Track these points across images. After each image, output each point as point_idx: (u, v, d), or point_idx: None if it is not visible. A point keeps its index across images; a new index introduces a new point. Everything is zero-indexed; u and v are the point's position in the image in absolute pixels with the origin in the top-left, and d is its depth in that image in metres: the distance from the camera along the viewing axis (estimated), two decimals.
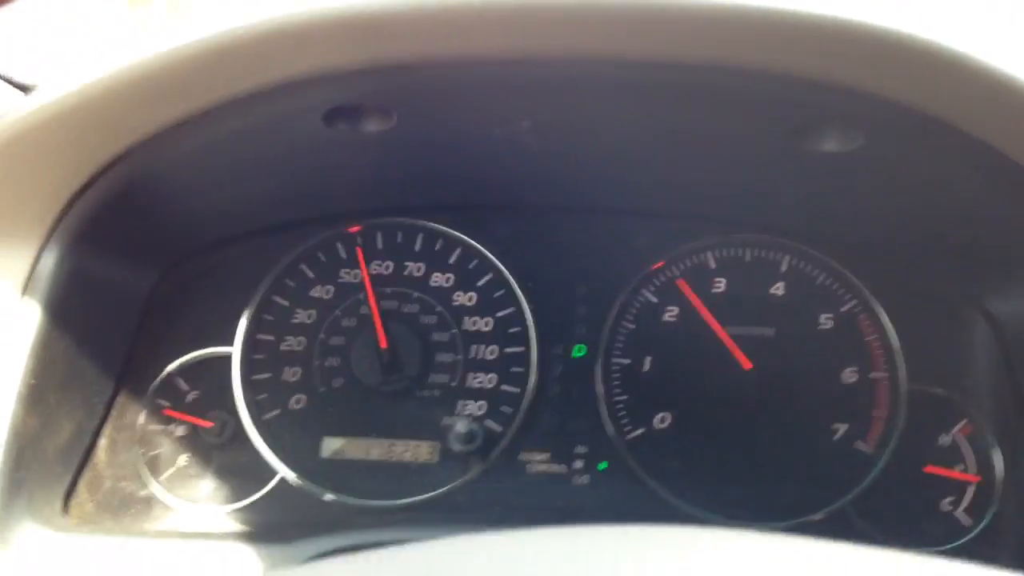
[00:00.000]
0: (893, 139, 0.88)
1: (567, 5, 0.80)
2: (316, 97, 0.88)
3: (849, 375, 1.10)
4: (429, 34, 0.82)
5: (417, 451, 1.09)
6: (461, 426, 1.03)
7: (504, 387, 1.12)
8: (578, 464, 1.10)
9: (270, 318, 1.14)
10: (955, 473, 1.05)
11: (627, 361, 1.12)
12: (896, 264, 1.11)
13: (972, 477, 1.05)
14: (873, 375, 1.10)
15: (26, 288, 0.95)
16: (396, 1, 0.80)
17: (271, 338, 1.13)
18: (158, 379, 1.12)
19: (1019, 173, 0.84)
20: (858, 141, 0.90)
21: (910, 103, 0.81)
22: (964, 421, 1.07)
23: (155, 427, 1.11)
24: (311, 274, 1.16)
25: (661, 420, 1.10)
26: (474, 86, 0.89)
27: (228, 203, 1.09)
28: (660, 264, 1.15)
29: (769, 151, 0.97)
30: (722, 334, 1.10)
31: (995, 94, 0.77)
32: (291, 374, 1.12)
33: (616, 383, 1.12)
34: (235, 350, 1.12)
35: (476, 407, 1.11)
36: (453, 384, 1.12)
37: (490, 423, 1.10)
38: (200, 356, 1.13)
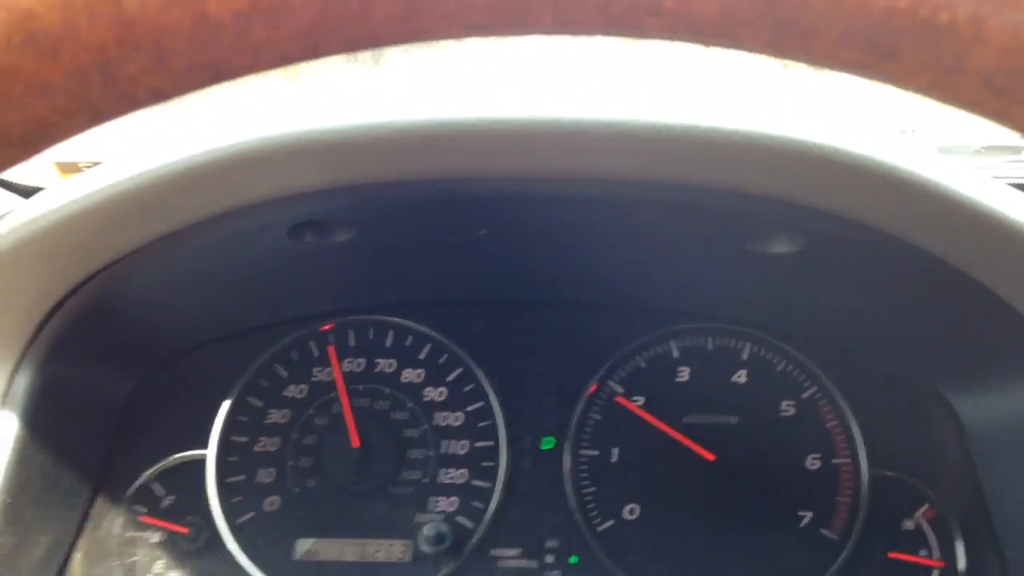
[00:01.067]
0: (833, 244, 0.92)
1: (517, 126, 0.84)
2: (280, 215, 0.92)
3: (812, 462, 1.12)
4: (386, 156, 0.86)
5: (390, 551, 1.10)
6: (429, 528, 1.05)
7: (475, 482, 1.13)
8: (549, 559, 1.11)
9: (244, 419, 1.16)
10: (919, 559, 1.07)
11: (595, 452, 1.14)
12: (855, 352, 1.14)
13: (936, 563, 1.07)
14: (836, 461, 1.12)
15: (2, 405, 0.97)
16: (351, 126, 0.84)
17: (245, 439, 1.15)
18: (134, 485, 1.13)
19: (959, 277, 0.87)
20: (800, 244, 0.93)
21: (843, 212, 0.85)
22: (926, 506, 1.09)
23: (132, 534, 1.12)
24: (284, 374, 1.18)
25: (630, 512, 1.12)
26: (430, 201, 0.93)
27: (199, 311, 1.12)
28: (624, 354, 1.17)
29: (721, 251, 1.00)
30: (670, 431, 1.13)
31: (925, 202, 0.81)
32: (265, 475, 1.14)
33: (584, 475, 1.13)
34: (209, 453, 1.14)
35: (448, 503, 1.12)
36: (425, 480, 1.13)
37: (462, 519, 1.12)
38: (176, 460, 1.15)
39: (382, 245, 1.04)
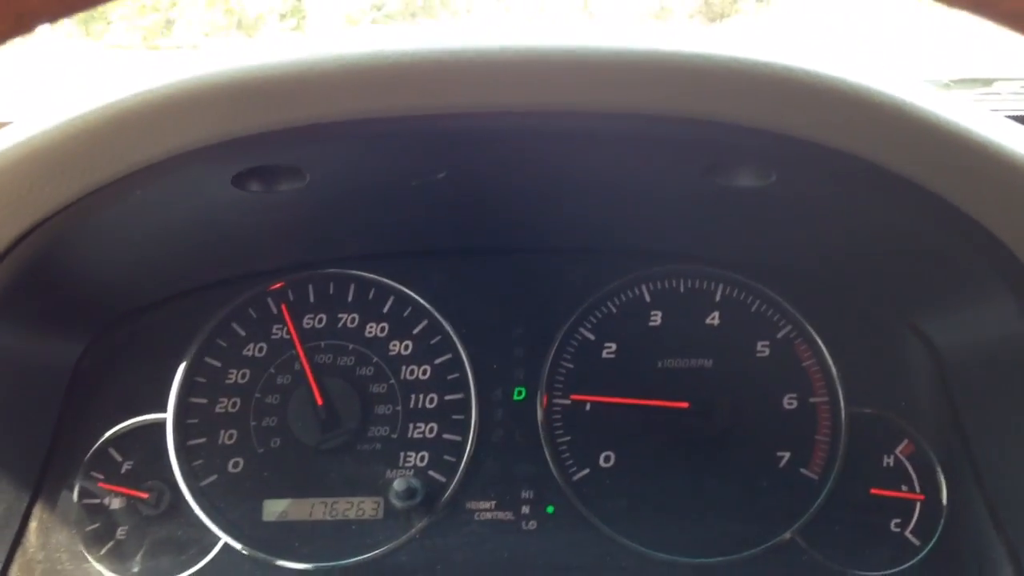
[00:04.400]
0: (806, 175, 0.88)
1: (472, 58, 0.80)
2: (221, 162, 0.86)
3: (789, 401, 1.10)
4: (330, 94, 0.81)
5: (361, 508, 1.07)
6: (399, 483, 1.02)
7: (446, 436, 1.10)
8: (525, 510, 1.08)
9: (203, 380, 1.12)
10: (900, 493, 1.05)
11: (568, 401, 1.11)
12: (828, 288, 1.11)
13: (917, 496, 1.05)
14: (813, 400, 1.09)
15: None
16: (288, 63, 0.79)
17: (204, 401, 1.11)
18: (91, 451, 1.09)
19: (937, 202, 0.84)
20: (771, 177, 0.90)
21: (818, 140, 0.81)
22: (905, 441, 1.07)
23: (90, 501, 1.08)
24: (242, 332, 1.14)
25: (605, 459, 1.09)
26: (382, 143, 0.88)
27: (149, 269, 1.07)
28: (594, 300, 1.14)
29: (687, 188, 0.96)
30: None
31: (903, 125, 0.78)
32: (227, 437, 1.10)
33: (558, 424, 1.10)
34: (168, 416, 1.10)
35: (418, 458, 1.09)
36: (394, 436, 1.10)
37: (433, 474, 1.09)
38: (133, 424, 1.10)
39: (336, 193, 0.99)
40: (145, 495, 1.07)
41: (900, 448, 1.07)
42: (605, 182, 1.00)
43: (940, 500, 1.05)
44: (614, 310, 1.14)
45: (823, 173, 0.87)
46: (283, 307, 1.14)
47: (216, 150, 0.84)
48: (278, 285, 1.15)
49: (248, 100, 0.81)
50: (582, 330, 1.14)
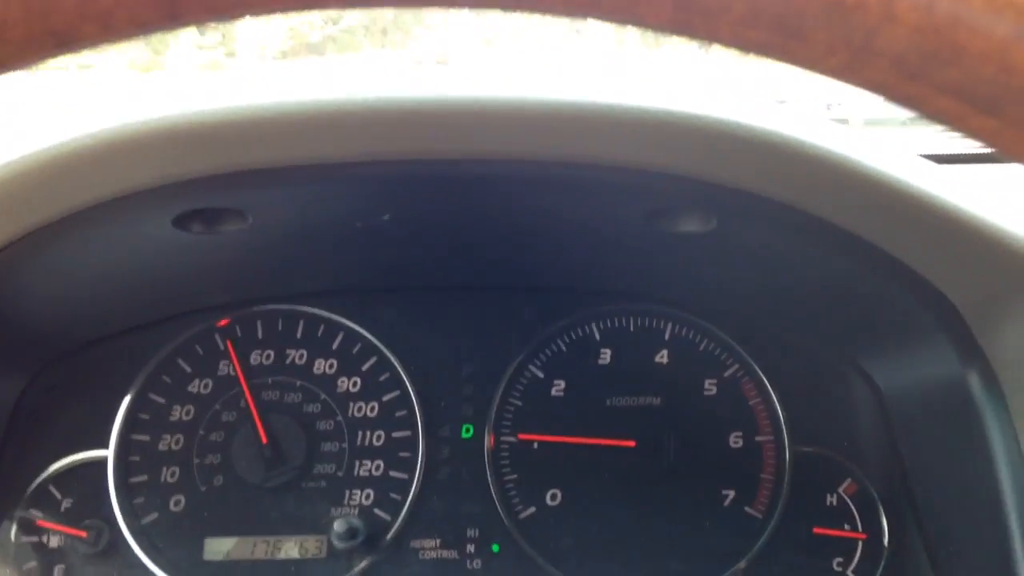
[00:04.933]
0: (745, 222, 0.89)
1: (411, 106, 0.80)
2: (160, 205, 0.86)
3: (735, 440, 1.10)
4: (272, 140, 0.81)
5: (304, 547, 1.06)
6: (339, 524, 1.01)
7: (392, 473, 1.09)
8: (470, 548, 1.08)
9: (146, 417, 1.10)
10: (842, 532, 1.06)
11: (515, 439, 1.11)
12: (775, 328, 1.12)
13: (859, 535, 1.06)
14: (759, 438, 1.10)
15: None
16: (231, 110, 0.79)
17: (147, 438, 1.10)
18: (31, 488, 1.07)
19: (872, 249, 0.85)
20: (712, 223, 0.90)
21: (750, 190, 0.82)
22: (848, 480, 1.08)
23: (28, 539, 1.06)
24: (188, 369, 1.13)
25: (552, 497, 1.09)
26: (324, 188, 0.88)
27: (93, 305, 1.06)
28: (544, 338, 1.14)
29: (632, 231, 0.97)
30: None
31: (830, 176, 0.79)
32: (170, 474, 1.08)
33: (505, 462, 1.10)
34: (110, 453, 1.08)
35: (363, 496, 1.08)
36: (339, 474, 1.09)
37: (379, 512, 1.08)
38: (74, 462, 1.08)
39: (280, 234, 0.98)
40: (84, 534, 1.05)
41: (843, 487, 1.08)
42: (550, 224, 1.00)
43: (881, 539, 1.06)
44: (564, 348, 1.15)
45: (760, 221, 0.88)
46: (229, 343, 1.13)
47: (154, 194, 0.84)
48: (225, 321, 1.14)
49: (186, 146, 0.81)
50: (532, 368, 1.14)
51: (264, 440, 1.08)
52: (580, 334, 1.15)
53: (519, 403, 1.13)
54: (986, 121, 0.30)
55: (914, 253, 0.86)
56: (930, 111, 0.31)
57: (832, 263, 0.93)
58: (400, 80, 0.84)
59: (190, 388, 1.12)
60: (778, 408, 1.10)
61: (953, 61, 0.28)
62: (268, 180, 0.84)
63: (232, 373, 1.12)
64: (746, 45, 0.31)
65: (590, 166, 0.79)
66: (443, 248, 1.07)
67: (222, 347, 1.14)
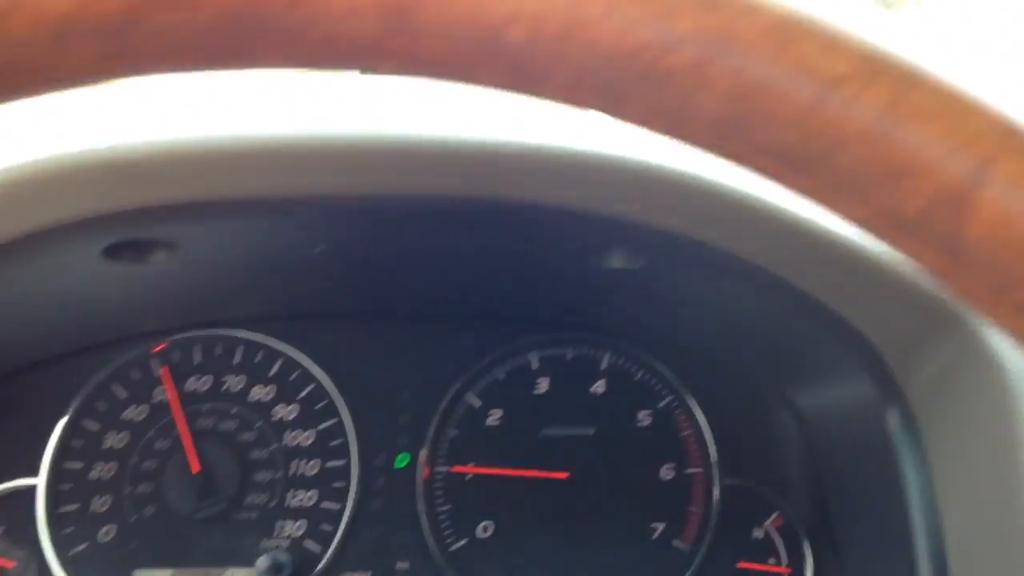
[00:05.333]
0: (671, 261, 0.91)
1: (340, 143, 0.81)
2: (88, 236, 0.86)
3: (666, 472, 1.12)
4: (199, 175, 0.81)
5: None
6: (263, 560, 1.01)
7: (325, 504, 1.10)
8: None
9: (79, 444, 1.10)
10: (767, 566, 1.08)
11: (449, 469, 1.12)
12: (708, 359, 1.14)
13: (783, 569, 1.08)
14: (689, 471, 1.12)
15: None
16: (157, 144, 0.80)
17: (79, 466, 1.09)
18: None
19: (792, 290, 0.88)
20: (641, 262, 0.92)
21: (676, 231, 0.84)
22: (775, 514, 1.10)
23: None
24: (123, 395, 1.12)
25: (484, 529, 1.10)
26: (255, 222, 0.88)
27: (24, 333, 1.05)
28: (482, 366, 1.15)
29: (566, 265, 0.99)
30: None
31: (750, 220, 0.81)
32: (100, 504, 1.08)
33: (439, 493, 1.11)
34: (40, 481, 1.07)
35: (295, 528, 1.08)
36: (272, 504, 1.09)
37: (310, 543, 1.08)
38: (3, 490, 1.07)
39: (214, 263, 0.98)
40: (10, 564, 1.04)
41: (770, 520, 1.10)
42: (485, 257, 1.01)
43: (804, 574, 1.08)
44: (502, 377, 1.16)
45: (685, 260, 0.90)
46: (164, 369, 1.12)
47: (83, 225, 0.84)
48: (161, 347, 1.13)
49: (114, 180, 0.81)
50: (469, 396, 1.15)
51: (195, 469, 1.07)
52: (518, 363, 1.16)
53: (455, 432, 1.13)
54: (803, 180, 0.32)
55: (833, 294, 0.88)
56: (753, 169, 0.33)
57: (757, 301, 0.95)
58: (325, 114, 0.85)
59: (124, 415, 1.12)
60: (709, 440, 1.12)
61: (762, 125, 0.30)
62: (197, 213, 0.85)
63: (167, 399, 1.12)
64: (580, 104, 0.32)
65: (508, 205, 0.81)
66: (382, 277, 1.08)
67: (157, 373, 1.13)
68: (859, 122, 0.29)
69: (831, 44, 0.29)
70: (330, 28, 0.30)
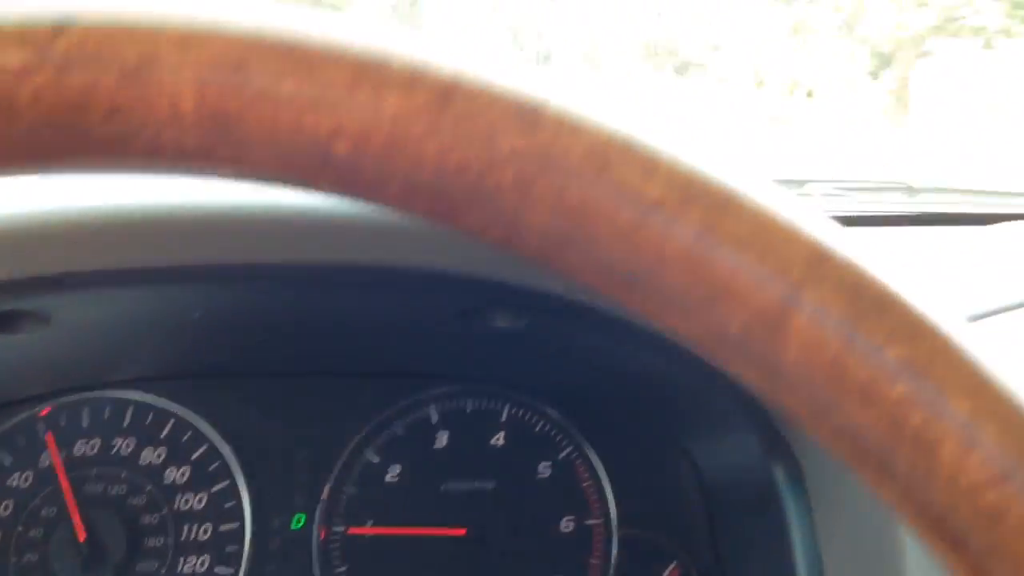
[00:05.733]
0: (556, 321, 0.91)
1: (213, 213, 0.80)
2: None
3: (567, 524, 1.12)
4: (68, 247, 0.80)
5: None
6: None
7: (218, 569, 1.07)
8: None
9: None
10: None
11: (346, 528, 1.10)
12: (606, 410, 1.15)
13: None
14: (589, 522, 1.12)
15: None
16: (24, 217, 0.78)
17: None
18: None
19: (677, 348, 0.88)
20: (524, 320, 0.92)
21: (557, 292, 0.84)
22: (673, 564, 1.10)
23: None
24: (8, 461, 1.09)
25: None
26: (128, 292, 0.87)
27: None
28: (380, 422, 1.14)
29: (451, 325, 0.98)
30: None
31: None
32: None
33: (336, 554, 1.09)
34: None
35: None
36: (163, 572, 1.06)
37: None
38: None
39: (92, 331, 0.96)
40: None
41: (668, 571, 1.10)
42: (372, 316, 1.01)
43: None
44: (401, 432, 1.14)
45: (566, 319, 0.90)
46: (49, 434, 1.09)
47: None
48: (47, 410, 1.10)
49: None
50: (367, 453, 1.13)
51: (82, 537, 1.04)
52: (416, 417, 1.15)
53: (353, 490, 1.12)
54: (634, 296, 0.32)
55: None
56: (588, 285, 0.33)
57: (643, 356, 0.95)
58: (196, 184, 0.84)
59: (10, 482, 1.08)
60: (608, 491, 1.12)
61: (590, 243, 0.30)
62: (68, 284, 0.83)
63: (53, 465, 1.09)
64: (420, 216, 0.32)
65: (381, 271, 0.80)
66: (270, 337, 1.06)
67: (43, 437, 1.10)
68: (678, 244, 0.29)
69: (650, 166, 0.29)
70: (152, 138, 0.29)
